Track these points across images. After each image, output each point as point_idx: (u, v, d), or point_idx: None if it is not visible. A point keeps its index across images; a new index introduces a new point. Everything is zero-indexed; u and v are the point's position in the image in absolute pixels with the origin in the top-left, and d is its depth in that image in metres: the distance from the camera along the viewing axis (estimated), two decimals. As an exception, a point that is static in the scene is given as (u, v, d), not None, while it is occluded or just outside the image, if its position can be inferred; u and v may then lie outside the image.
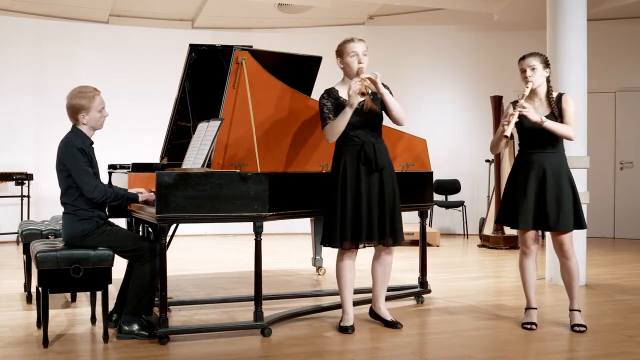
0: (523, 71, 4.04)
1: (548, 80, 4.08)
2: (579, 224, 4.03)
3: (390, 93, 4.02)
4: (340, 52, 4.01)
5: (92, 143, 3.91)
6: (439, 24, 9.99)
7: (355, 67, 3.94)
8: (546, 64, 4.06)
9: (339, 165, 3.98)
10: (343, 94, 3.99)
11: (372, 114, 3.97)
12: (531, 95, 4.07)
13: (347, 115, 3.88)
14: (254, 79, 4.16)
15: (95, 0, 8.80)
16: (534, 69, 4.01)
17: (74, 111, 3.84)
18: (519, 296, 5.13)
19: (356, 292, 4.42)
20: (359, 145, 3.95)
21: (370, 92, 3.89)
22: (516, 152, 9.53)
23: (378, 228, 3.95)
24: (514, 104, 4.08)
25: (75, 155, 3.75)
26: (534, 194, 4.01)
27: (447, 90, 10.18)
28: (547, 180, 3.98)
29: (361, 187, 3.93)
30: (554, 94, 4.08)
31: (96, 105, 3.85)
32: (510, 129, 3.90)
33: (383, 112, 4.06)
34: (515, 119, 3.93)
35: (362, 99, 3.84)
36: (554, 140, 4.02)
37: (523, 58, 4.08)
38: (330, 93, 4.02)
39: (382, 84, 3.94)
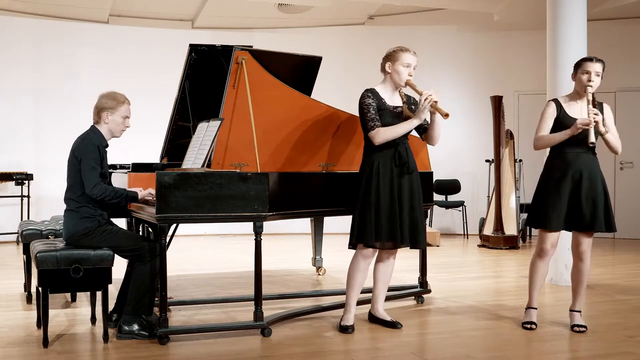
0: (586, 73, 3.96)
1: None
2: (610, 226, 3.98)
3: None
4: (393, 58, 4.02)
5: (107, 146, 3.95)
6: (439, 24, 9.99)
7: (405, 78, 3.99)
8: (601, 75, 4.02)
9: (371, 167, 3.98)
10: (385, 96, 4.03)
11: (407, 120, 3.99)
12: (575, 96, 4.05)
13: (412, 125, 3.94)
14: (254, 79, 4.16)
15: (95, 0, 8.80)
16: (598, 75, 3.97)
17: (99, 109, 3.93)
18: (519, 296, 5.13)
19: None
20: (393, 148, 3.97)
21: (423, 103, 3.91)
22: (516, 152, 9.48)
23: (410, 230, 3.98)
24: (554, 101, 4.05)
25: (89, 149, 3.81)
26: (568, 195, 3.97)
27: (447, 90, 10.16)
28: (582, 182, 3.94)
29: (394, 188, 3.96)
30: (596, 102, 4.03)
31: (121, 111, 3.93)
32: (593, 137, 3.87)
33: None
34: (593, 126, 3.85)
35: (445, 117, 3.85)
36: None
37: (590, 60, 3.99)
38: (374, 93, 4.02)
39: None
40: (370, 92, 4.01)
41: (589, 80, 3.95)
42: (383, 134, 3.92)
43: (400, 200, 3.96)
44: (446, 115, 3.82)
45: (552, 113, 4.04)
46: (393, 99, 4.05)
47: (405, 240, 3.97)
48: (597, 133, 3.92)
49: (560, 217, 3.97)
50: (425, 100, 3.86)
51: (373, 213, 3.92)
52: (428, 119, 4.07)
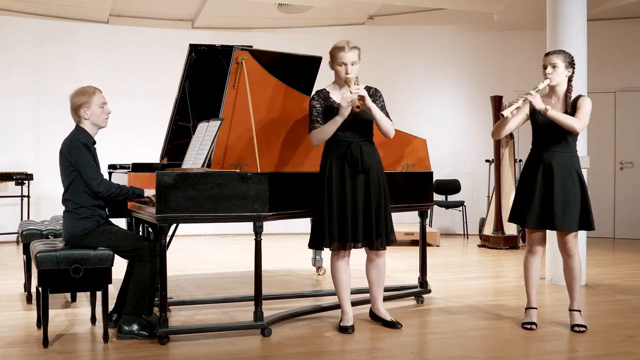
0: (545, 67, 4.04)
1: (569, 80, 4.06)
2: (587, 224, 4.01)
3: (383, 101, 4.06)
4: (332, 57, 4.02)
5: (95, 143, 3.93)
6: (439, 24, 9.99)
7: (343, 77, 3.97)
8: (570, 63, 4.04)
9: (325, 166, 4.00)
10: (334, 95, 4.03)
11: (362, 117, 3.96)
12: (550, 93, 4.09)
13: (336, 124, 3.91)
14: (254, 79, 4.16)
15: (95, 0, 8.80)
16: (555, 66, 4.01)
17: (75, 108, 3.88)
18: (519, 296, 5.13)
19: (355, 292, 4.43)
20: (346, 146, 3.96)
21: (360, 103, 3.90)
22: (516, 152, 9.52)
23: (363, 230, 3.94)
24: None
25: (80, 149, 3.79)
26: (540, 193, 4.01)
27: (447, 90, 10.18)
28: (554, 179, 3.98)
29: (346, 187, 3.93)
30: (573, 95, 4.05)
31: (96, 101, 3.88)
32: (509, 110, 3.90)
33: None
34: (519, 103, 3.93)
35: (357, 110, 3.88)
36: (565, 140, 4.00)
37: (547, 54, 4.07)
38: (321, 94, 4.04)
39: (375, 90, 4.05)
40: (317, 94, 4.02)
41: (545, 74, 4.03)
42: (316, 136, 3.96)
43: (354, 200, 3.93)
44: (357, 108, 3.85)
45: (524, 110, 4.11)
46: (343, 96, 4.00)
47: (359, 240, 3.94)
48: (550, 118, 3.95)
49: (535, 216, 4.03)
50: (348, 98, 3.84)
51: (327, 214, 3.93)
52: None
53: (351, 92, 3.86)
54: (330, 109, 3.97)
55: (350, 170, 3.94)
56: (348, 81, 3.93)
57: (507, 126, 4.08)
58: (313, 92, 4.05)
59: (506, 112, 3.90)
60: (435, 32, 10.10)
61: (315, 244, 4.04)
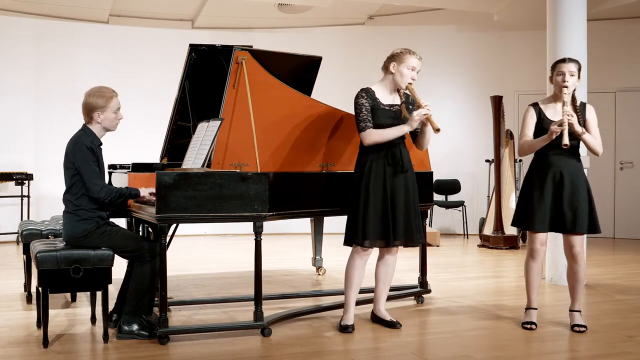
0: (561, 74, 3.99)
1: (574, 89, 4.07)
2: (593, 227, 4.01)
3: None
4: (399, 59, 4.02)
5: (101, 144, 3.92)
6: (439, 24, 9.99)
7: (407, 81, 4.01)
8: (579, 71, 4.04)
9: (364, 166, 4.00)
10: (381, 95, 4.02)
11: (404, 121, 3.99)
12: (557, 99, 4.05)
13: (402, 131, 3.97)
14: (254, 79, 4.16)
15: (95, 0, 8.80)
16: (572, 75, 3.99)
17: (89, 109, 3.86)
18: (519, 296, 5.13)
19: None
20: (386, 148, 3.98)
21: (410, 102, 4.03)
22: (516, 153, 9.53)
23: (404, 228, 3.98)
24: (534, 106, 4.09)
25: (84, 154, 3.76)
26: (550, 196, 4.00)
27: (447, 90, 10.18)
28: (564, 182, 3.97)
29: (387, 187, 3.96)
30: (578, 102, 4.07)
31: (112, 106, 3.87)
32: (568, 140, 3.82)
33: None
34: (565, 127, 3.84)
35: (437, 132, 3.93)
36: (573, 145, 3.99)
37: (563, 61, 4.03)
38: (368, 93, 4.01)
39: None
40: (365, 92, 4.01)
41: (564, 81, 3.98)
42: (372, 137, 3.95)
43: (393, 199, 3.96)
44: (437, 130, 3.86)
45: (532, 117, 4.07)
46: (390, 98, 4.05)
47: (398, 238, 3.97)
48: (574, 134, 3.92)
49: (544, 218, 4.01)
50: (421, 112, 3.91)
51: (362, 212, 3.94)
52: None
53: (422, 106, 3.94)
54: (377, 110, 3.98)
55: (391, 171, 3.97)
56: (411, 89, 4.00)
57: None
58: (359, 90, 4.02)
59: (567, 141, 3.82)
60: (435, 32, 10.10)
61: (354, 240, 4.00)
